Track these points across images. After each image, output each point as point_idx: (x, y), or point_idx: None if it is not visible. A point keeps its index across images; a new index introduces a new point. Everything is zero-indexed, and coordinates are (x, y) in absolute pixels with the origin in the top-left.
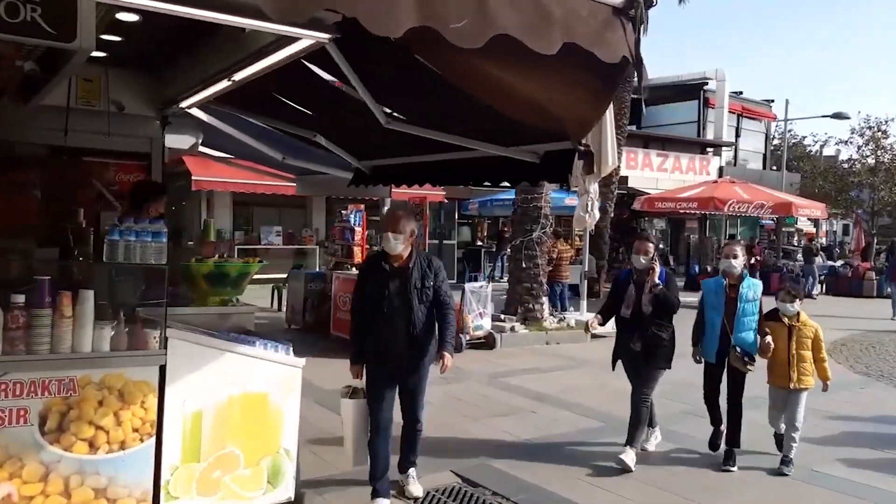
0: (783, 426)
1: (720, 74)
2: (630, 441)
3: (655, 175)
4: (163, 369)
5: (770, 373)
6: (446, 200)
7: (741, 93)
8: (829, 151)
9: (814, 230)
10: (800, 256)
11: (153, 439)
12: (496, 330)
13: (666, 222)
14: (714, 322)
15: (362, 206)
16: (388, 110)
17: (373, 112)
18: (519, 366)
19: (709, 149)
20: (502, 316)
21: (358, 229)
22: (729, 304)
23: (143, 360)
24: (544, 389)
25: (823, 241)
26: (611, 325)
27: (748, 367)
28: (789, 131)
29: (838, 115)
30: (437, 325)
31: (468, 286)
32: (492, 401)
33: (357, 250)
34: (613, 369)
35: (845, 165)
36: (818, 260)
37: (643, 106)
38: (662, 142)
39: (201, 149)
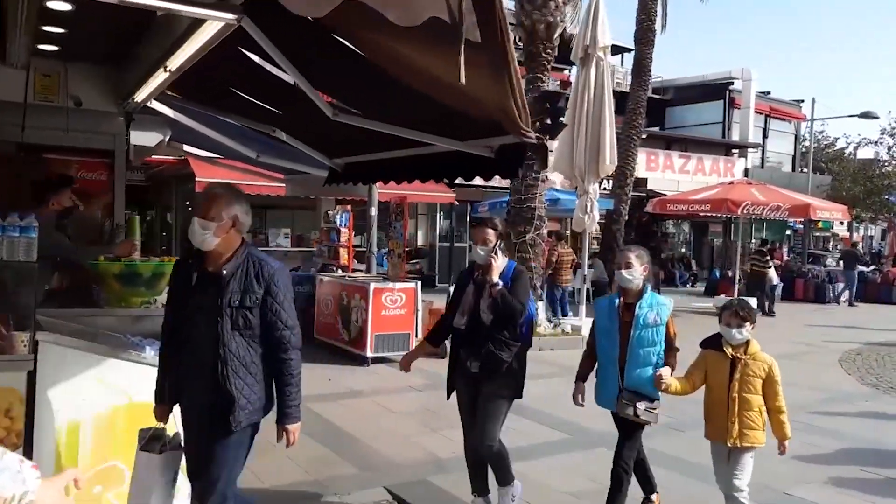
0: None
1: (746, 74)
2: (501, 482)
3: (677, 177)
4: (31, 375)
5: (706, 422)
6: (457, 202)
7: (769, 93)
8: (868, 154)
9: (847, 235)
10: (830, 261)
11: (20, 451)
12: None
13: (689, 226)
14: (608, 354)
15: (349, 207)
16: (335, 101)
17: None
18: None
19: (734, 150)
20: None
21: (344, 230)
22: (623, 329)
23: (7, 365)
24: (533, 397)
25: (861, 246)
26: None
27: (643, 416)
28: (821, 132)
29: (867, 115)
30: (275, 377)
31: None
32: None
33: (343, 252)
34: (448, 398)
35: (876, 168)
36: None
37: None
38: (685, 143)
39: (188, 148)
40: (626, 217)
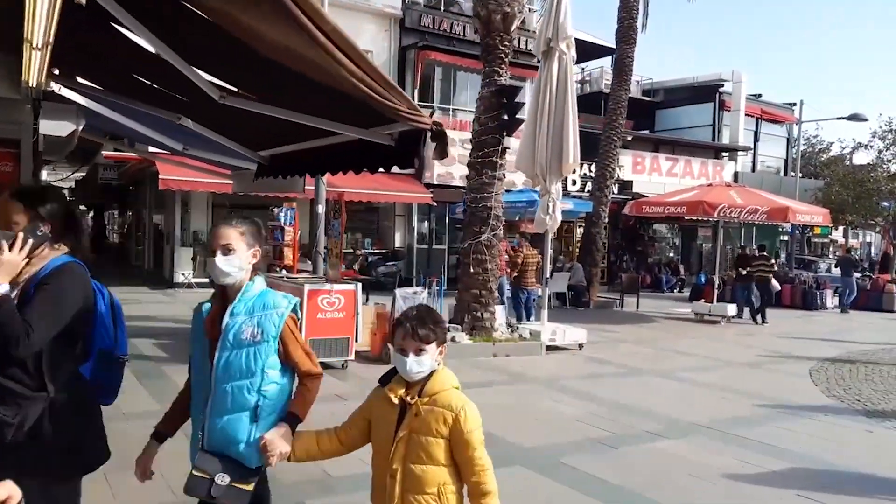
0: None
1: (736, 76)
2: None
3: (664, 180)
4: None
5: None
6: (435, 203)
7: (760, 95)
8: (865, 159)
9: (844, 241)
10: (823, 266)
11: None
12: None
13: (676, 230)
14: (197, 392)
15: (294, 204)
16: (220, 83)
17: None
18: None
19: (723, 153)
20: (447, 325)
21: (289, 228)
22: (212, 351)
23: None
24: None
25: (858, 252)
26: (573, 337)
27: (223, 496)
28: (815, 136)
29: (855, 117)
30: None
31: (399, 291)
32: None
33: (287, 251)
34: None
35: (865, 173)
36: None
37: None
38: (673, 145)
39: (152, 148)
40: (607, 220)
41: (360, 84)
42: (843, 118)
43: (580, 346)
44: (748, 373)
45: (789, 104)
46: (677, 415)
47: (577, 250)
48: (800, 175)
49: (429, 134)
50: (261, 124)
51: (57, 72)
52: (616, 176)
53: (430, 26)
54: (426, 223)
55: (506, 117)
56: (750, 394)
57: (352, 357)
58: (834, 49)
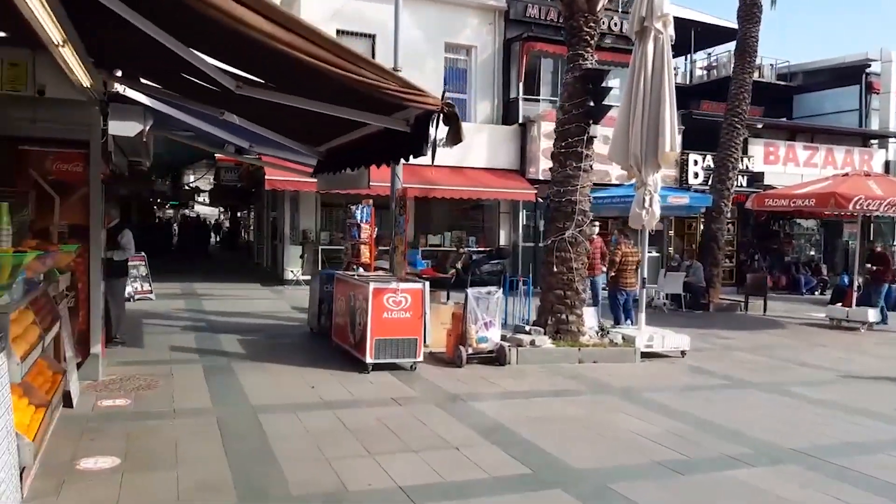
0: None
1: (885, 55)
2: None
3: (801, 171)
4: None
5: None
6: (541, 199)
7: None
8: None
9: None
10: None
11: None
12: (512, 343)
13: (819, 225)
14: None
15: (370, 201)
16: (240, 73)
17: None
18: (513, 387)
19: (872, 140)
20: (527, 327)
21: (365, 226)
22: None
23: None
24: (508, 419)
25: None
26: (673, 343)
27: None
28: None
29: None
30: None
31: (471, 291)
32: (419, 430)
33: (364, 249)
34: None
35: None
36: None
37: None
38: (812, 133)
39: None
40: (729, 214)
41: (324, 65)
42: None
43: (682, 353)
44: (877, 389)
45: None
46: (772, 437)
47: (697, 248)
48: None
49: (440, 117)
50: (299, 119)
51: (119, 73)
52: (743, 167)
53: (537, 17)
54: (532, 220)
55: (591, 104)
56: (872, 414)
57: (420, 359)
58: None
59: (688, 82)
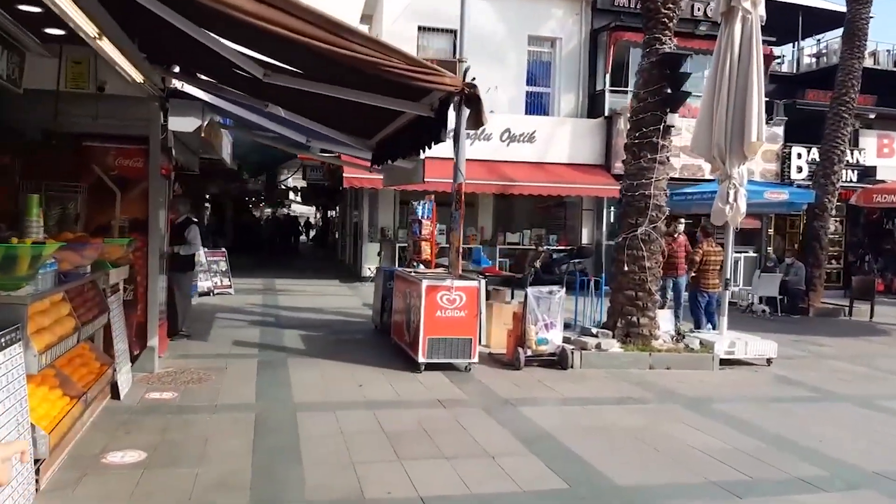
0: None
1: None
2: None
3: None
4: None
5: None
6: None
7: None
8: None
9: None
10: None
11: None
12: (576, 346)
13: None
14: None
15: (432, 197)
16: (270, 60)
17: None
18: (570, 392)
19: None
20: (594, 330)
21: (426, 222)
22: None
23: None
24: (556, 427)
25: None
26: (758, 350)
27: None
28: None
29: None
30: None
31: (531, 290)
32: (458, 435)
33: (425, 245)
34: None
35: None
36: None
37: None
38: None
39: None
40: (833, 212)
41: (308, 40)
42: None
43: (768, 361)
44: None
45: None
46: (853, 458)
47: (798, 247)
48: None
49: (460, 99)
50: (339, 110)
51: (177, 69)
52: (852, 160)
53: (626, 5)
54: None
55: (668, 91)
56: None
57: (475, 359)
58: None
59: (794, 71)
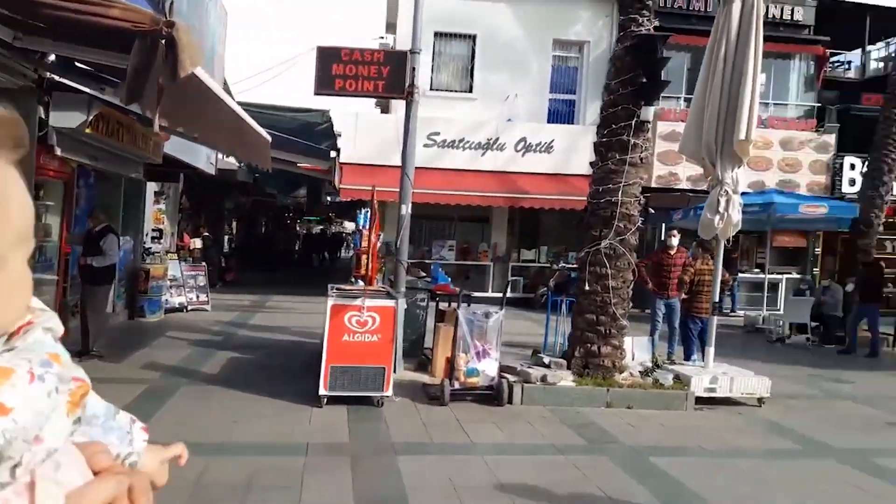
0: None
1: None
2: None
3: None
4: None
5: None
6: (653, 210)
7: None
8: None
9: None
10: None
11: None
12: (521, 378)
13: None
14: None
15: (375, 204)
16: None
17: None
18: (487, 438)
19: None
20: (547, 359)
21: (368, 233)
22: None
23: None
24: (416, 485)
25: None
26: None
27: None
28: None
29: None
30: None
31: (462, 313)
32: (280, 495)
33: (366, 259)
34: None
35: None
36: None
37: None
38: None
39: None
40: (882, 228)
41: None
42: None
43: (759, 401)
44: None
45: None
46: None
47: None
48: None
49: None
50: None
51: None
52: None
53: (662, 5)
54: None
55: (643, 80)
56: None
57: (388, 392)
58: None
59: (861, 77)
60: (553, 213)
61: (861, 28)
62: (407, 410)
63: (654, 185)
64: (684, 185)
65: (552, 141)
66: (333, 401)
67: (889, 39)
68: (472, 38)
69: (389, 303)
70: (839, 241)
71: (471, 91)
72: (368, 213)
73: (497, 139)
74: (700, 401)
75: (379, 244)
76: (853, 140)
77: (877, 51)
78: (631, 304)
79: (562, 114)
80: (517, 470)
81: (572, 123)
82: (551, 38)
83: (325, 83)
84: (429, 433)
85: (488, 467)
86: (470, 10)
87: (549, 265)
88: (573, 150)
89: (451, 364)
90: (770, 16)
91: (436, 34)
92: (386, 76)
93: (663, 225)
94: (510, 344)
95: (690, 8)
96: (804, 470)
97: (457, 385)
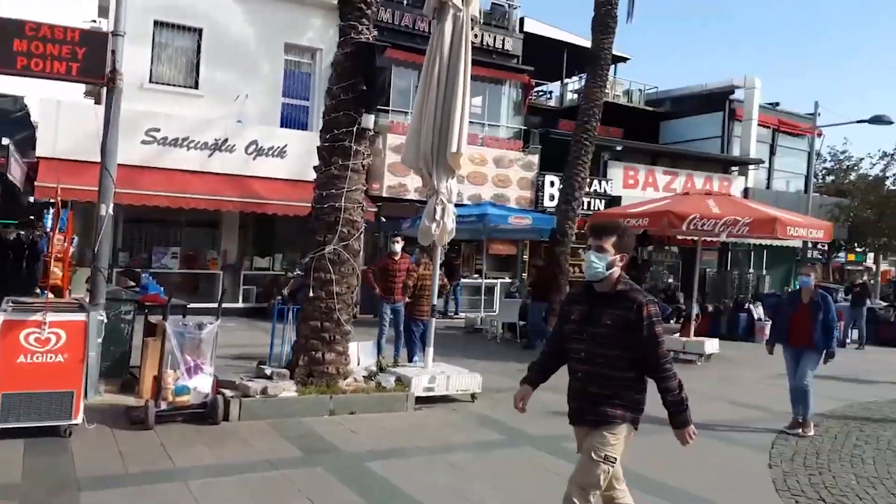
0: None
1: (749, 81)
2: None
3: (661, 195)
4: None
5: None
6: (384, 219)
7: (778, 104)
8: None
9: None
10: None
11: None
12: (240, 393)
13: (678, 253)
14: None
15: (68, 203)
16: None
17: None
18: (192, 461)
19: (733, 167)
20: (269, 370)
21: (59, 236)
22: None
23: None
24: None
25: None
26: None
27: None
28: (843, 153)
29: (878, 120)
30: None
31: (170, 325)
32: None
33: (56, 267)
34: None
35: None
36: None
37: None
38: (673, 158)
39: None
40: (575, 237)
41: None
42: (865, 121)
43: (473, 396)
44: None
45: (811, 114)
46: None
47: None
48: (815, 191)
49: None
50: None
51: None
52: (601, 190)
53: (390, 21)
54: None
55: (363, 87)
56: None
57: (77, 420)
58: (855, 53)
59: (559, 105)
60: (289, 220)
61: (560, 62)
62: (102, 439)
63: (385, 194)
64: (413, 195)
65: (286, 146)
66: (6, 434)
67: (581, 74)
68: (199, 31)
69: (78, 316)
70: (542, 250)
71: (196, 87)
72: (56, 214)
73: (226, 140)
74: (420, 400)
75: (72, 250)
76: (553, 160)
77: (572, 83)
78: (359, 310)
79: (296, 119)
80: (225, 492)
81: (307, 130)
82: (283, 42)
83: (5, 60)
84: (125, 463)
85: (192, 495)
86: (195, 1)
87: (283, 273)
88: (309, 156)
89: (157, 382)
90: (484, 43)
91: (157, 23)
92: (81, 58)
93: (393, 233)
94: (240, 357)
95: (416, 28)
96: (507, 459)
97: (164, 405)
